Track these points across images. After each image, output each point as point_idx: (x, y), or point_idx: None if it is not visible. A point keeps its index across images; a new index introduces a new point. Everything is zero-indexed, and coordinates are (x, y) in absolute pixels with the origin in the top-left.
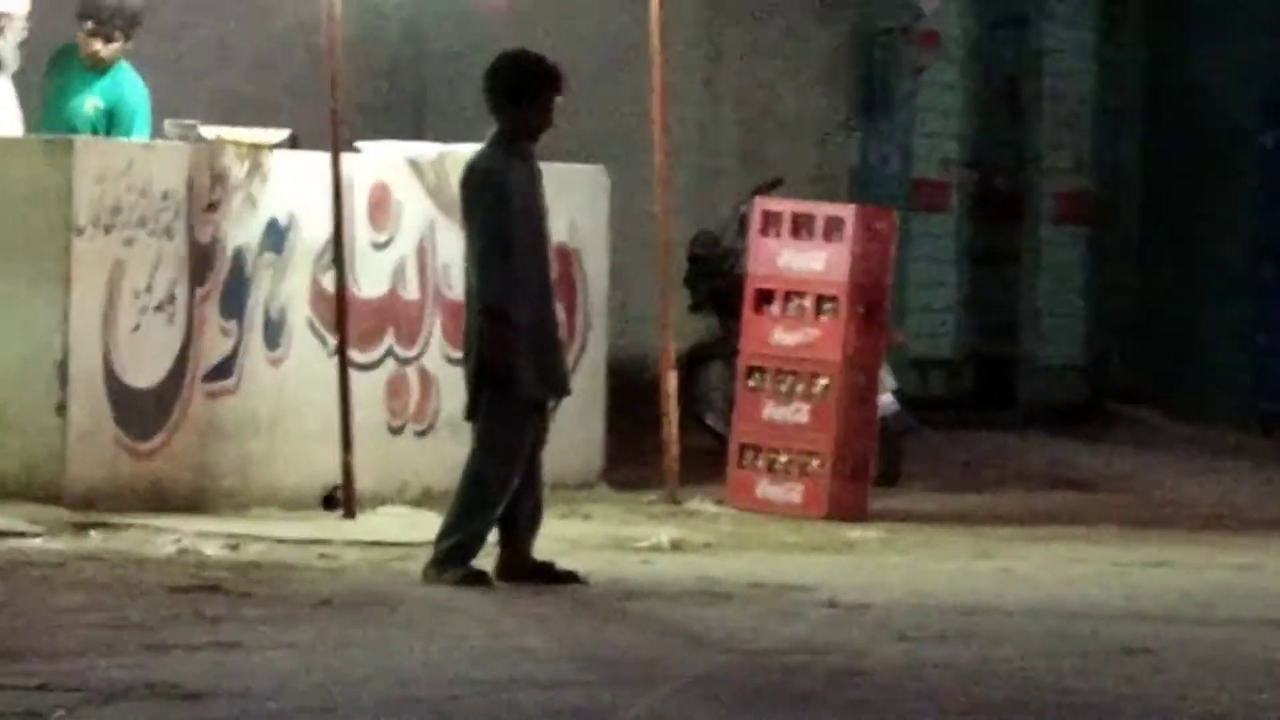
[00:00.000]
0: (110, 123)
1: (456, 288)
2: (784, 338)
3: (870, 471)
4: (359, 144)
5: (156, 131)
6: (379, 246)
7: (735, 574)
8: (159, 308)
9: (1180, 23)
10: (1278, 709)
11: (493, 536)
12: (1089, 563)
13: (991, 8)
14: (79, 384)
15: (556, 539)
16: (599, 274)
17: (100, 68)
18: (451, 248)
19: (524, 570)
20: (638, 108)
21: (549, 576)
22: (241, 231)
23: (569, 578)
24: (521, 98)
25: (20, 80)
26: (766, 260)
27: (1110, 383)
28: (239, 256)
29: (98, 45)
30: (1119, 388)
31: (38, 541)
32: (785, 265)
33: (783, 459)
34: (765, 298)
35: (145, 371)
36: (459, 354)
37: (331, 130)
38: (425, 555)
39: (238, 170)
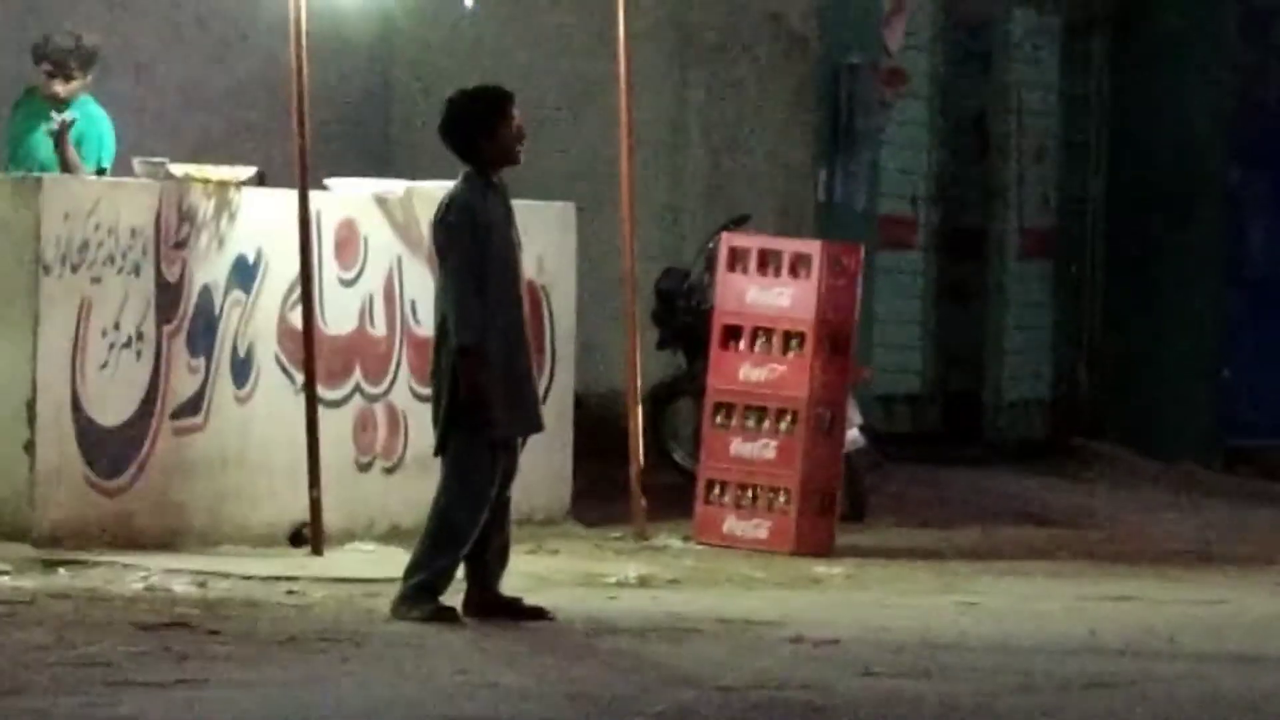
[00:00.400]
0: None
1: (424, 324)
2: (751, 374)
3: (837, 507)
4: (327, 181)
5: (124, 169)
6: (346, 283)
7: (702, 610)
8: (127, 345)
9: (1144, 60)
10: None
11: (460, 572)
12: (1054, 598)
13: (957, 45)
14: (47, 421)
15: (524, 575)
16: (567, 310)
17: (64, 106)
18: (419, 284)
19: (492, 606)
20: (605, 145)
21: (517, 612)
22: (209, 269)
23: (536, 614)
24: (483, 129)
25: None
26: (734, 296)
27: (1076, 418)
28: (207, 294)
29: (57, 86)
30: (1084, 423)
31: (5, 579)
32: (752, 301)
33: (749, 495)
34: (732, 334)
35: (113, 409)
36: (427, 390)
37: (298, 167)
38: (393, 592)
39: (205, 208)
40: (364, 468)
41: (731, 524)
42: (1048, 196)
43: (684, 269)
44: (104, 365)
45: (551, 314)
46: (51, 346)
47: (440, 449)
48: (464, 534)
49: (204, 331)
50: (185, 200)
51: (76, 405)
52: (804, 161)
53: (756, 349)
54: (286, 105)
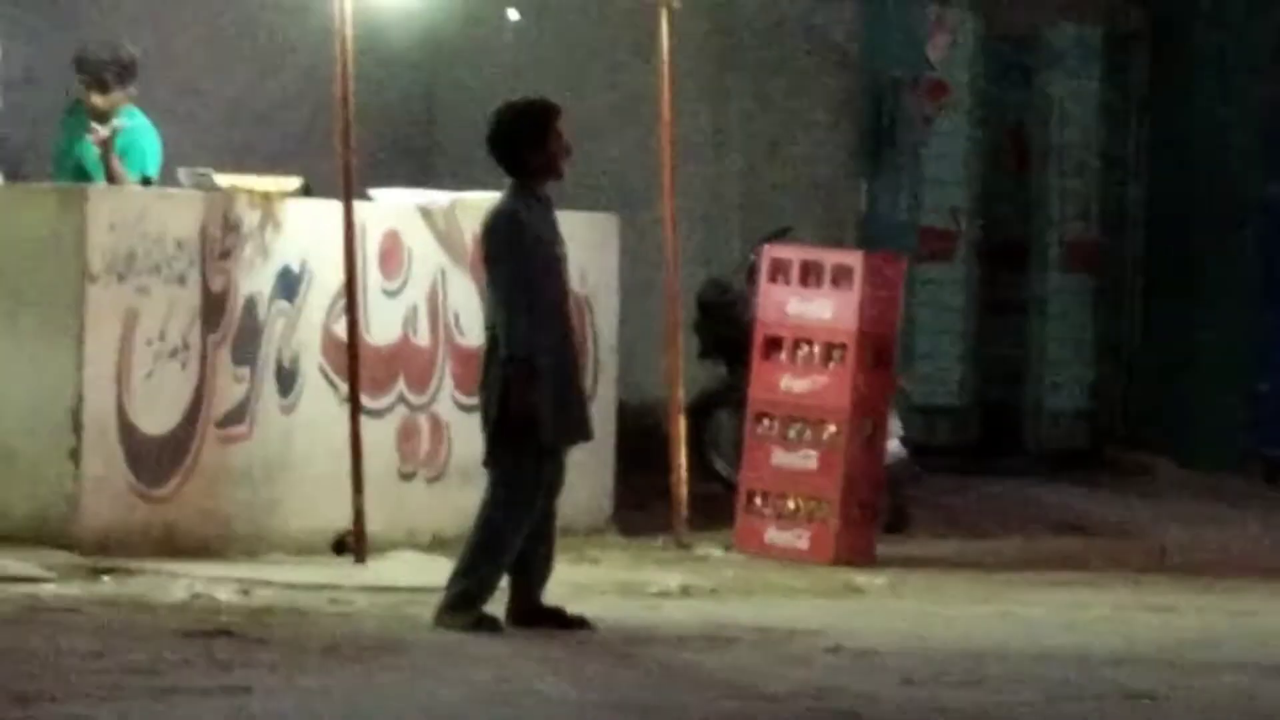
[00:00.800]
0: (122, 154)
1: (468, 334)
2: (792, 384)
3: (877, 518)
4: (371, 192)
5: (170, 180)
6: (390, 294)
7: (742, 619)
8: (172, 355)
9: (1184, 73)
10: None
11: (504, 581)
12: (1093, 608)
13: (998, 57)
14: (92, 430)
15: (566, 584)
16: (609, 321)
17: (104, 117)
18: (462, 295)
19: (534, 615)
20: (648, 156)
21: (559, 621)
22: (254, 279)
23: (578, 623)
24: (529, 143)
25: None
26: (775, 307)
27: (1114, 429)
28: (251, 304)
29: (95, 98)
30: (1123, 434)
31: (51, 587)
32: (794, 312)
33: (790, 505)
34: (774, 345)
35: (158, 418)
36: (471, 400)
37: (343, 178)
38: (436, 600)
39: (250, 218)
40: (407, 477)
41: (772, 534)
42: (1088, 209)
43: (726, 280)
44: (149, 374)
45: (594, 325)
46: (97, 356)
47: (489, 459)
48: (508, 543)
49: (249, 341)
50: (231, 211)
51: (122, 414)
52: (846, 173)
53: (798, 360)
54: (331, 116)
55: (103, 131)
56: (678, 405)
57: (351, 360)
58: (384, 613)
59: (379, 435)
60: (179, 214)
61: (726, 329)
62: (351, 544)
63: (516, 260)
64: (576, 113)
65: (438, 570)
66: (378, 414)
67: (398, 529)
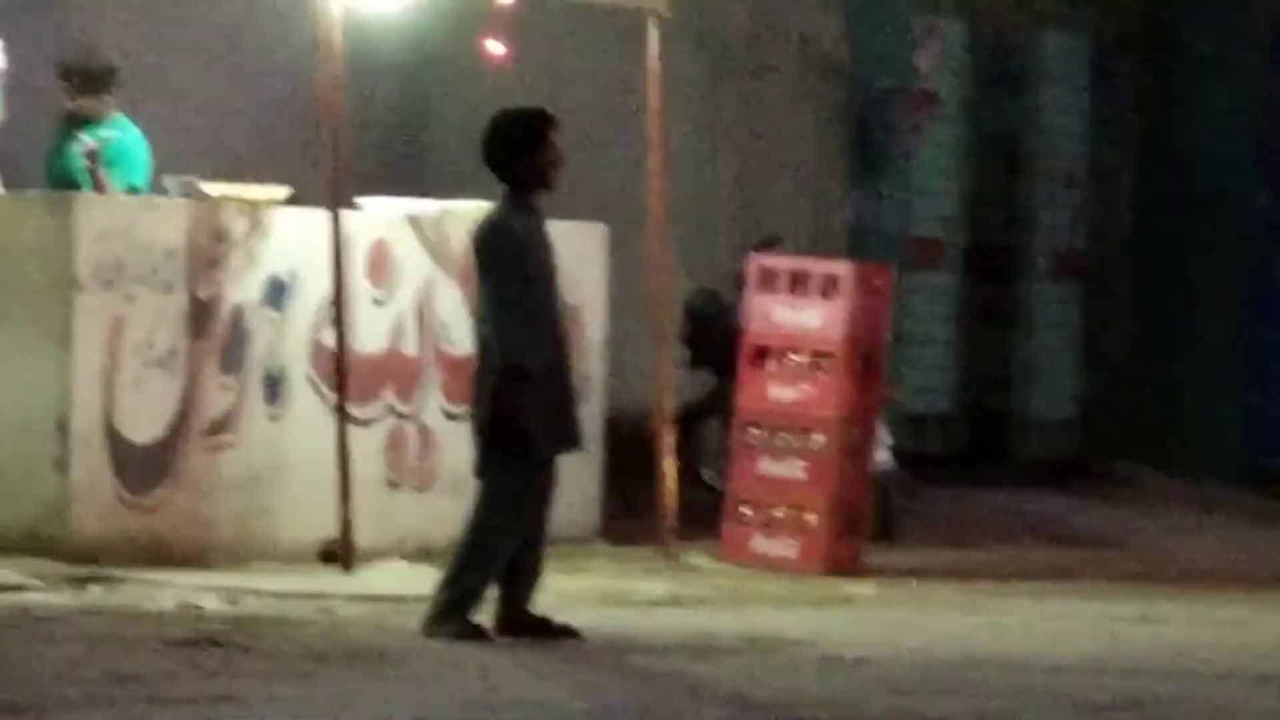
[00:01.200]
0: (109, 164)
1: (456, 344)
2: (780, 394)
3: (865, 527)
4: (359, 201)
5: (157, 188)
6: (379, 303)
7: (731, 628)
8: (159, 363)
9: (1173, 82)
10: None
11: (492, 590)
12: (1081, 618)
13: (988, 67)
14: (80, 439)
15: (554, 593)
16: (598, 330)
17: (89, 123)
18: (451, 304)
19: (522, 625)
20: (636, 166)
21: (547, 631)
22: (242, 288)
23: (566, 632)
24: (522, 151)
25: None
26: (764, 317)
27: (1104, 439)
28: (239, 313)
29: (76, 102)
30: (1112, 444)
31: (38, 595)
32: (782, 322)
33: (779, 514)
34: (762, 354)
35: (146, 426)
36: (459, 410)
37: (331, 187)
38: (424, 609)
39: (238, 227)
40: (395, 486)
41: (760, 543)
42: (1077, 218)
43: (714, 289)
44: (137, 383)
45: (583, 334)
46: (85, 364)
47: (480, 469)
48: (497, 553)
49: (236, 350)
50: (218, 220)
51: (109, 422)
52: (834, 183)
53: (786, 369)
54: (319, 125)
55: (90, 143)
56: (666, 415)
57: (339, 369)
58: (371, 622)
59: (367, 444)
60: (166, 223)
61: (715, 338)
62: (339, 553)
63: (509, 269)
64: (565, 122)
65: (425, 579)
66: (365, 423)
67: (385, 538)
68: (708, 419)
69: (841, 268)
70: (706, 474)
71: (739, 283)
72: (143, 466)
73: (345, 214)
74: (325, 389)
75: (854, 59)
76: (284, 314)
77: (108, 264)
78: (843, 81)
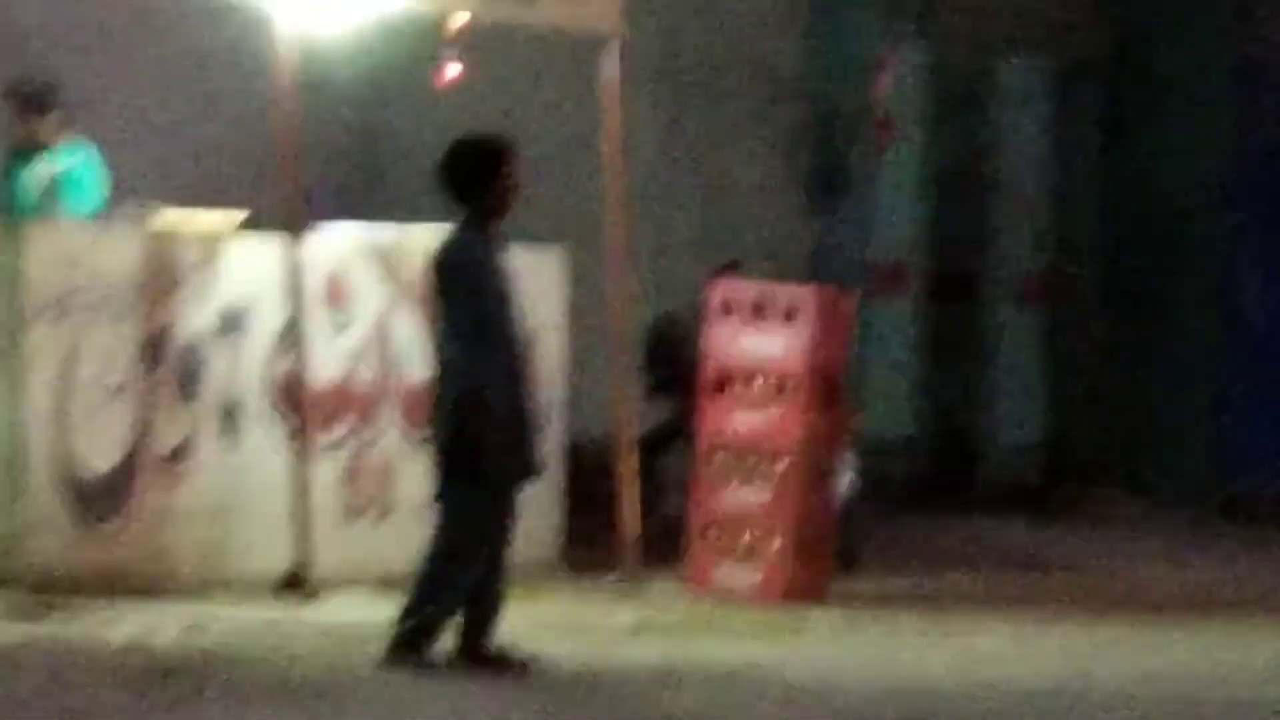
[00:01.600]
0: (63, 192)
1: (415, 371)
2: (742, 420)
3: (829, 554)
4: (315, 227)
5: (111, 216)
6: (336, 330)
7: (694, 657)
8: (114, 392)
9: (1139, 105)
10: None
11: (453, 620)
12: (1048, 644)
13: (949, 91)
14: (35, 468)
15: (515, 622)
16: (557, 356)
17: (39, 146)
18: (409, 331)
19: (483, 654)
20: (596, 190)
21: (509, 661)
22: (197, 316)
23: (527, 663)
24: (482, 178)
25: None
26: (725, 343)
27: (1070, 464)
28: (194, 341)
29: (22, 127)
30: (1079, 469)
31: None
32: (744, 348)
33: (742, 541)
34: (724, 380)
35: (101, 456)
36: (419, 436)
37: (287, 213)
38: (384, 639)
39: (193, 255)
40: (354, 515)
41: (723, 571)
42: (1041, 242)
43: (675, 315)
44: (91, 413)
45: (542, 360)
46: (38, 393)
47: (438, 496)
48: (457, 581)
49: (192, 379)
50: (173, 247)
51: (64, 452)
52: (795, 208)
53: (748, 395)
54: (275, 151)
55: (42, 176)
56: (627, 441)
57: (297, 397)
58: (332, 652)
59: (325, 473)
60: (119, 250)
61: (676, 365)
62: (299, 582)
63: (469, 294)
64: (524, 146)
65: (386, 609)
66: (324, 451)
67: (345, 567)
68: (669, 446)
69: (803, 293)
70: (669, 502)
71: (700, 309)
72: (98, 497)
73: (301, 240)
74: (283, 417)
75: (813, 83)
76: (240, 342)
77: (61, 293)
78: (802, 106)
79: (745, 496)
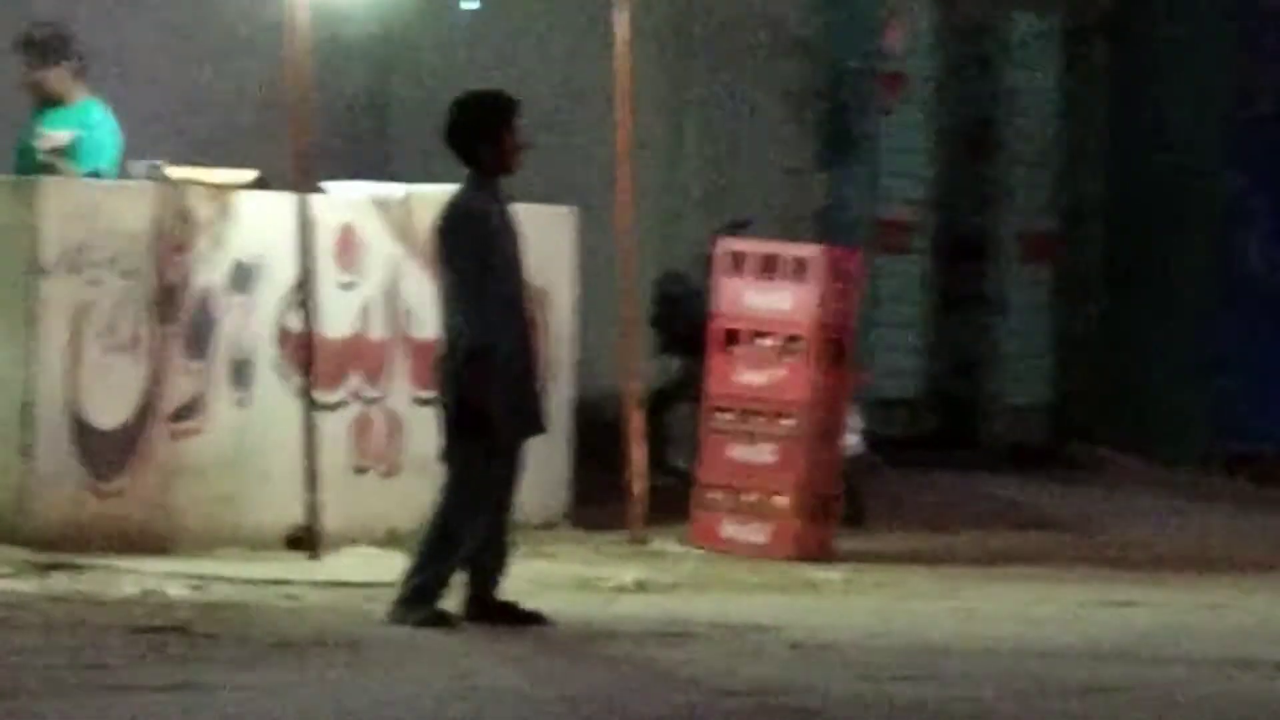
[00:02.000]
0: (75, 155)
1: (423, 328)
2: (750, 378)
3: (835, 512)
4: (325, 185)
5: (123, 173)
6: (345, 287)
7: (700, 614)
8: (125, 348)
9: (1144, 65)
10: None
11: (459, 576)
12: (1052, 603)
13: (957, 49)
14: (44, 425)
15: (522, 579)
16: (566, 314)
17: (56, 102)
18: (418, 288)
19: (489, 610)
20: (605, 148)
21: (514, 617)
22: (208, 272)
23: (534, 618)
24: (486, 135)
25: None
26: (732, 301)
27: (1074, 423)
28: (205, 297)
29: (31, 76)
30: (1083, 428)
31: (2, 582)
32: (751, 305)
33: (748, 499)
34: (731, 338)
35: (110, 412)
36: (426, 395)
37: (297, 171)
38: (390, 596)
39: (204, 211)
40: (362, 472)
41: (729, 528)
42: (1047, 202)
43: (683, 273)
44: (102, 368)
45: (550, 318)
46: (49, 349)
47: (445, 454)
48: (462, 539)
49: (202, 335)
50: (184, 204)
51: (74, 408)
52: (803, 166)
53: (755, 353)
54: (286, 109)
55: (53, 139)
56: (634, 399)
57: (306, 354)
58: (338, 608)
59: (333, 430)
60: (132, 207)
61: (684, 322)
62: (306, 539)
63: (473, 253)
64: (533, 104)
65: (392, 565)
66: (332, 408)
67: (352, 524)
68: (677, 403)
69: (811, 251)
70: (676, 459)
71: (708, 266)
72: (108, 452)
73: (311, 198)
74: (292, 374)
75: (822, 40)
76: (250, 299)
77: (72, 248)
78: (811, 63)
79: (752, 454)
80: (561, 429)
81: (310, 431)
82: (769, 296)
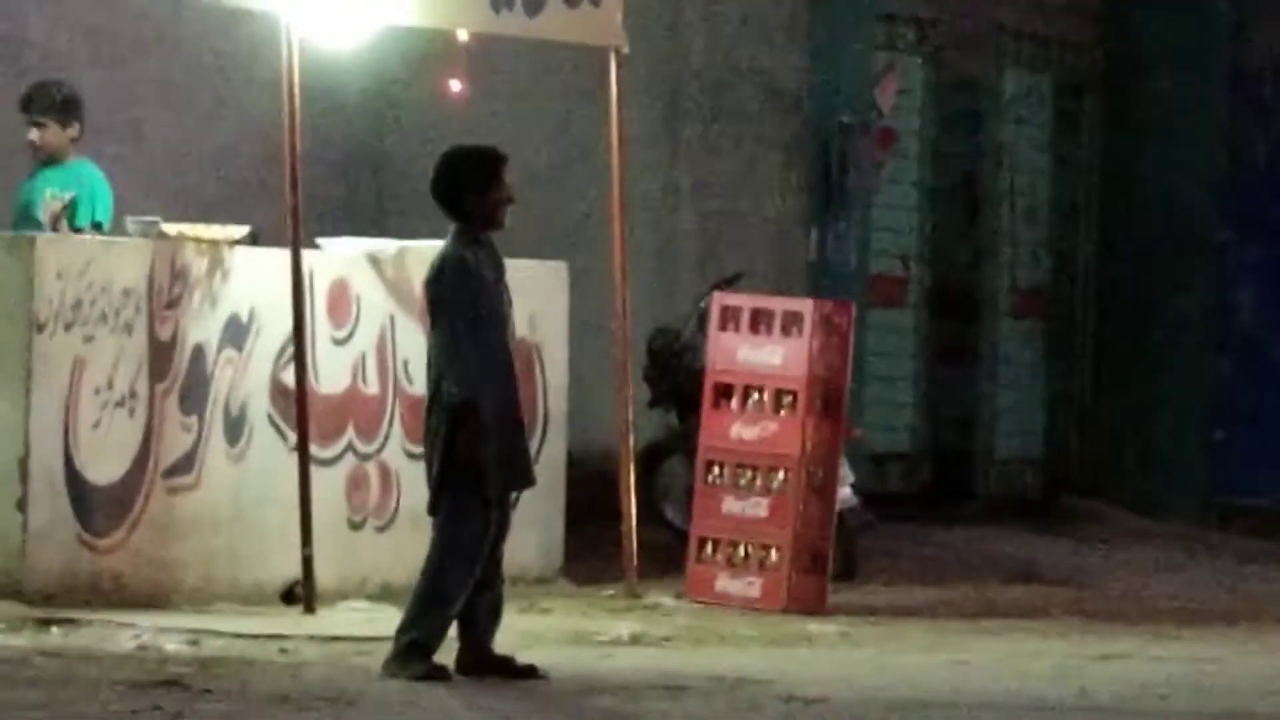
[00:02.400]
0: (73, 213)
1: (416, 382)
2: (743, 432)
3: (829, 565)
4: (319, 240)
5: (118, 229)
6: (339, 342)
7: (694, 668)
8: (120, 404)
9: (1135, 121)
10: None
11: (453, 630)
12: (1046, 656)
13: (949, 105)
14: (39, 480)
15: (516, 633)
16: (559, 368)
17: (51, 161)
18: (411, 342)
19: (484, 665)
20: (597, 204)
21: (509, 671)
22: (202, 328)
23: (529, 672)
24: (473, 188)
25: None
26: (725, 355)
27: (1067, 477)
28: (199, 352)
29: (33, 135)
30: (1076, 482)
31: None
32: (744, 360)
33: (741, 553)
34: (724, 392)
35: (106, 467)
36: (420, 448)
37: (291, 226)
38: (385, 650)
39: (198, 267)
40: (356, 526)
41: (723, 582)
42: (1039, 256)
43: (676, 328)
44: (96, 423)
45: (544, 373)
46: (44, 404)
47: (434, 507)
48: (455, 592)
49: (196, 390)
50: (178, 259)
51: (69, 463)
52: (795, 220)
53: (748, 407)
54: (279, 165)
55: (55, 206)
56: (628, 453)
57: (300, 409)
58: (333, 663)
59: (328, 484)
60: (126, 262)
61: (677, 377)
62: (301, 594)
63: (461, 305)
64: (526, 160)
65: (387, 620)
66: (327, 463)
67: (347, 578)
68: (670, 458)
69: (803, 305)
70: (669, 513)
71: (701, 321)
72: (103, 507)
73: (305, 253)
74: (286, 429)
75: (814, 96)
76: (244, 354)
77: (67, 304)
78: (803, 119)
79: (745, 508)
80: (555, 483)
81: (305, 486)
82: (762, 351)
